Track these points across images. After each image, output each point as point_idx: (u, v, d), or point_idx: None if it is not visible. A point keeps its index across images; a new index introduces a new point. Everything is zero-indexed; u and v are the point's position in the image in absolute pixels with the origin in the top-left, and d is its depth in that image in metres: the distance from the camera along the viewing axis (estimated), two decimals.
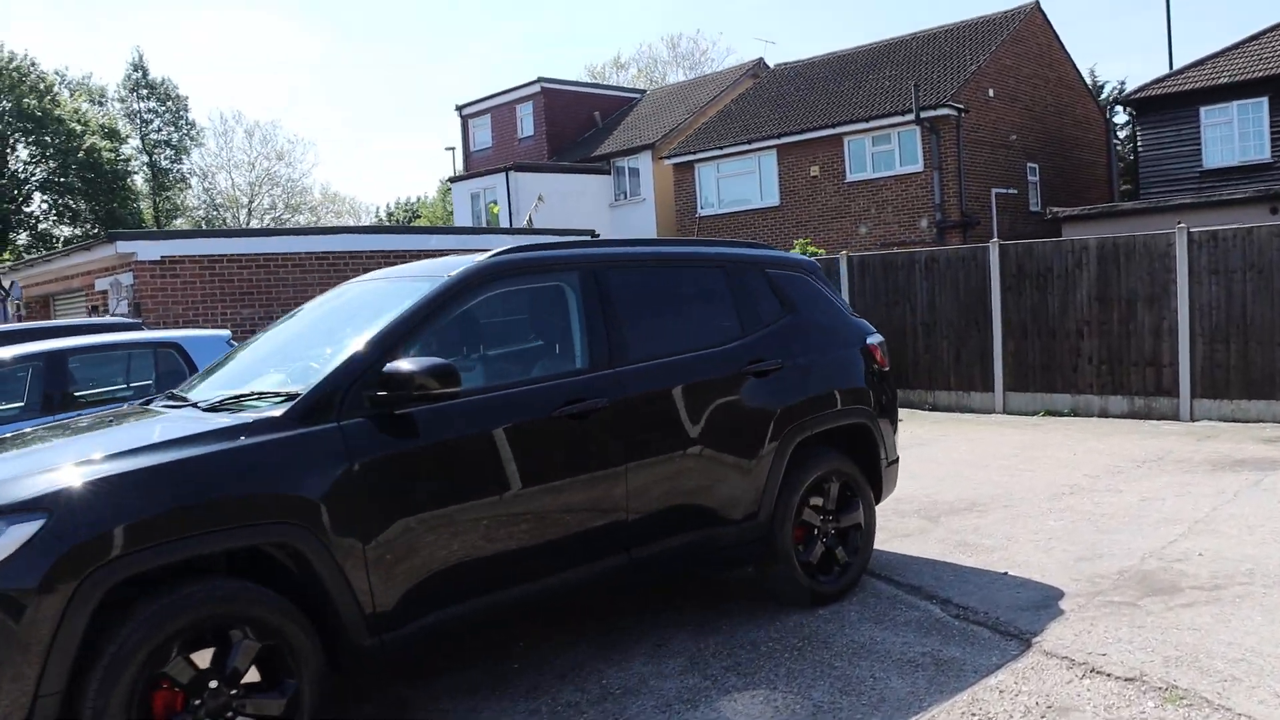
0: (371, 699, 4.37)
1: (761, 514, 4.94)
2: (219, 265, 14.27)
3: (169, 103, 57.02)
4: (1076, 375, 11.34)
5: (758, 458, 4.89)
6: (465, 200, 30.98)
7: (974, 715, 3.84)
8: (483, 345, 4.70)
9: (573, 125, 35.08)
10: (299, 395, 3.84)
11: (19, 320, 17.76)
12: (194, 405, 4.22)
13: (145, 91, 56.08)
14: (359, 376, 3.90)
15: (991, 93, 22.10)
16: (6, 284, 17.54)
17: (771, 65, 31.56)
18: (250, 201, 60.69)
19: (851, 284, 13.45)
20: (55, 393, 7.54)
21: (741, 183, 25.50)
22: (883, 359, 5.68)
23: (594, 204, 30.60)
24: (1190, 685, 3.94)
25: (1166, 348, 10.64)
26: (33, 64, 47.81)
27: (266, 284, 14.34)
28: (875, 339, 5.69)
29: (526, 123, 35.44)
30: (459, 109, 37.94)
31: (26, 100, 45.89)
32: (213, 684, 3.32)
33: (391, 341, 4.02)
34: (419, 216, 57.74)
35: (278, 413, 3.72)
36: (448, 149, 40.55)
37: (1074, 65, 25.63)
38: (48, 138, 46.68)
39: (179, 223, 58.64)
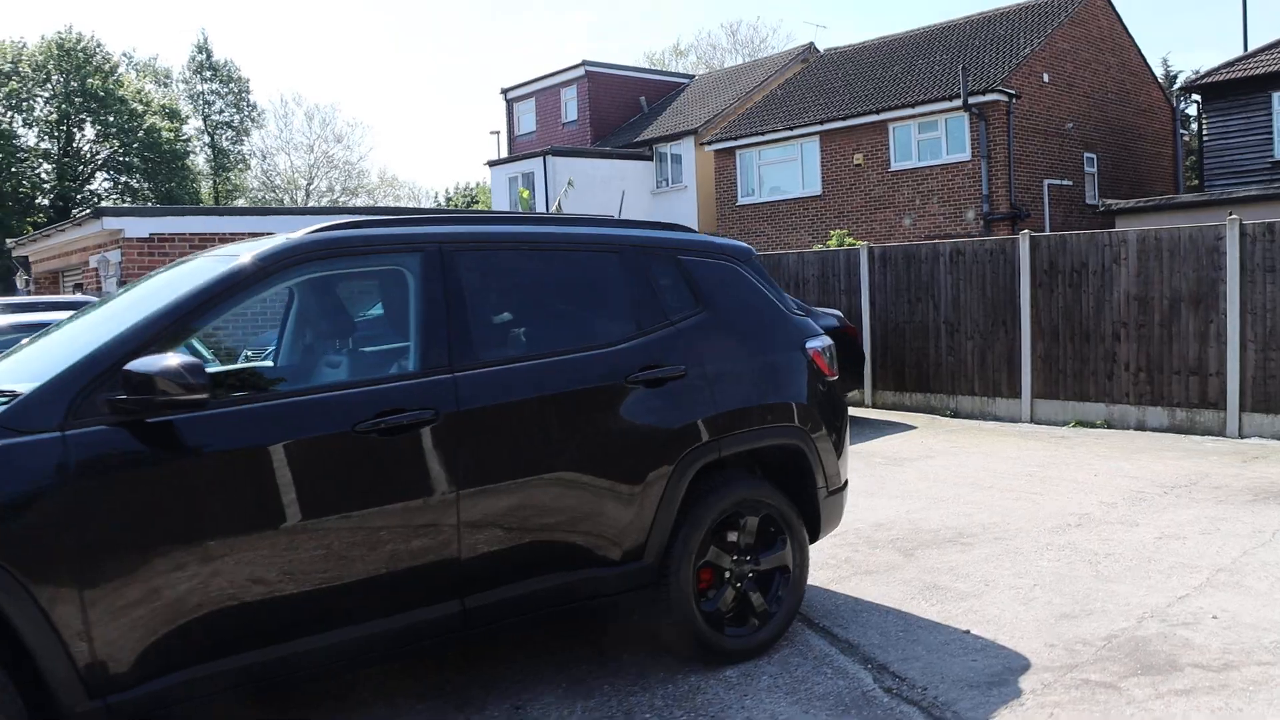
0: None
1: (649, 554, 4.02)
2: (211, 244, 13.69)
3: (231, 84, 57.48)
4: (1112, 383, 10.15)
5: (643, 486, 3.96)
6: (504, 185, 30.25)
7: None
8: (291, 342, 3.86)
9: (618, 110, 34.16)
10: (16, 396, 3.05)
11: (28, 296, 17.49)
12: None
13: (209, 73, 56.56)
14: (99, 376, 3.08)
15: (1046, 78, 20.66)
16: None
17: (822, 50, 30.29)
18: (308, 184, 60.90)
19: (871, 278, 12.37)
20: None
21: (783, 170, 24.38)
22: (828, 366, 4.70)
23: (635, 191, 29.66)
24: None
25: (1213, 355, 9.42)
26: (98, 45, 48.36)
27: None
28: (818, 343, 4.70)
29: (570, 107, 34.62)
30: (504, 92, 37.29)
31: (91, 80, 46.42)
32: None
33: (147, 335, 3.20)
34: (477, 202, 57.39)
35: None
36: (492, 133, 39.96)
37: (1139, 51, 23.96)
38: (111, 117, 47.21)
39: (240, 203, 59.09)
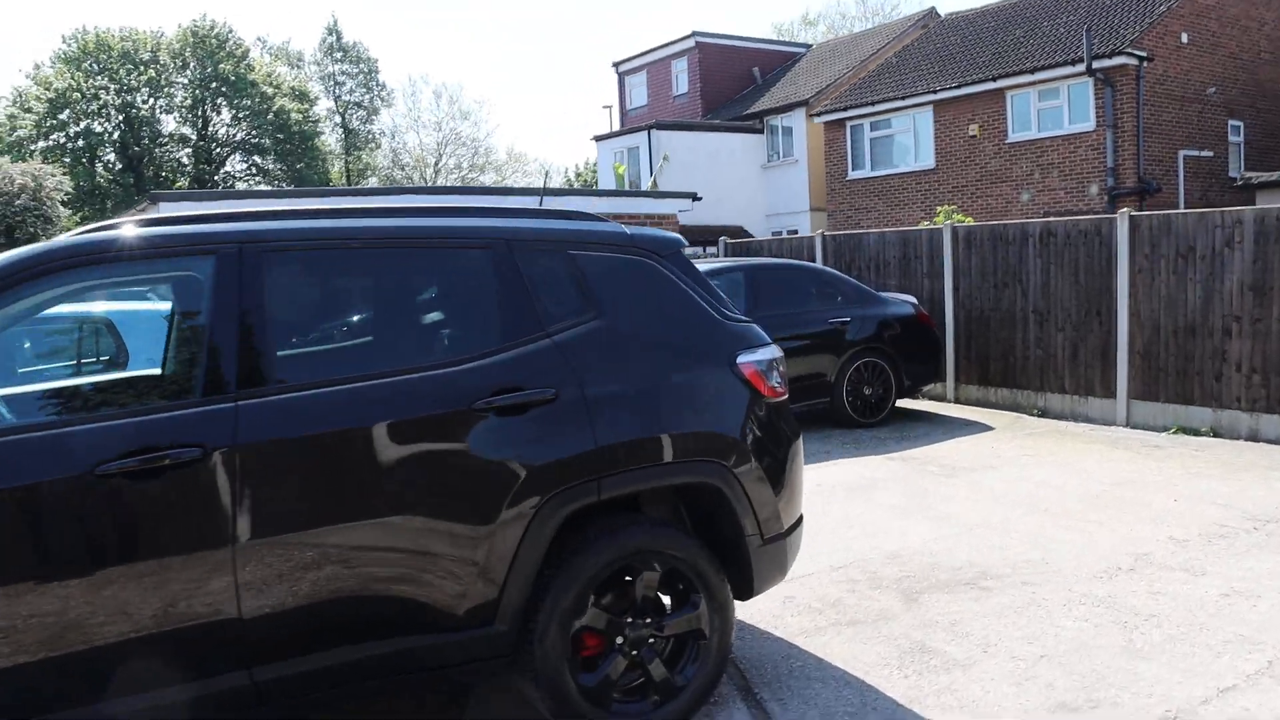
0: None
1: (503, 617, 3.27)
2: None
3: (361, 65, 58.77)
4: (1220, 385, 8.77)
5: (491, 536, 3.21)
6: (609, 160, 29.61)
7: None
8: (33, 367, 3.26)
9: (730, 82, 33.02)
10: None
11: None
12: None
13: (339, 55, 57.97)
14: None
15: (1185, 38, 18.60)
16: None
17: (944, 15, 28.42)
18: (436, 161, 61.79)
19: (956, 261, 11.17)
20: None
21: (894, 143, 22.94)
22: (767, 385, 3.82)
23: (745, 166, 28.66)
24: None
25: None
26: (230, 31, 50.04)
27: None
28: (757, 356, 3.82)
29: (681, 79, 33.67)
30: (615, 66, 36.61)
31: (223, 66, 48.10)
32: None
33: None
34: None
35: None
36: (604, 107, 39.41)
37: None
38: (243, 100, 48.86)
39: (371, 181, 60.57)
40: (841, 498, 7.17)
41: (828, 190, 24.83)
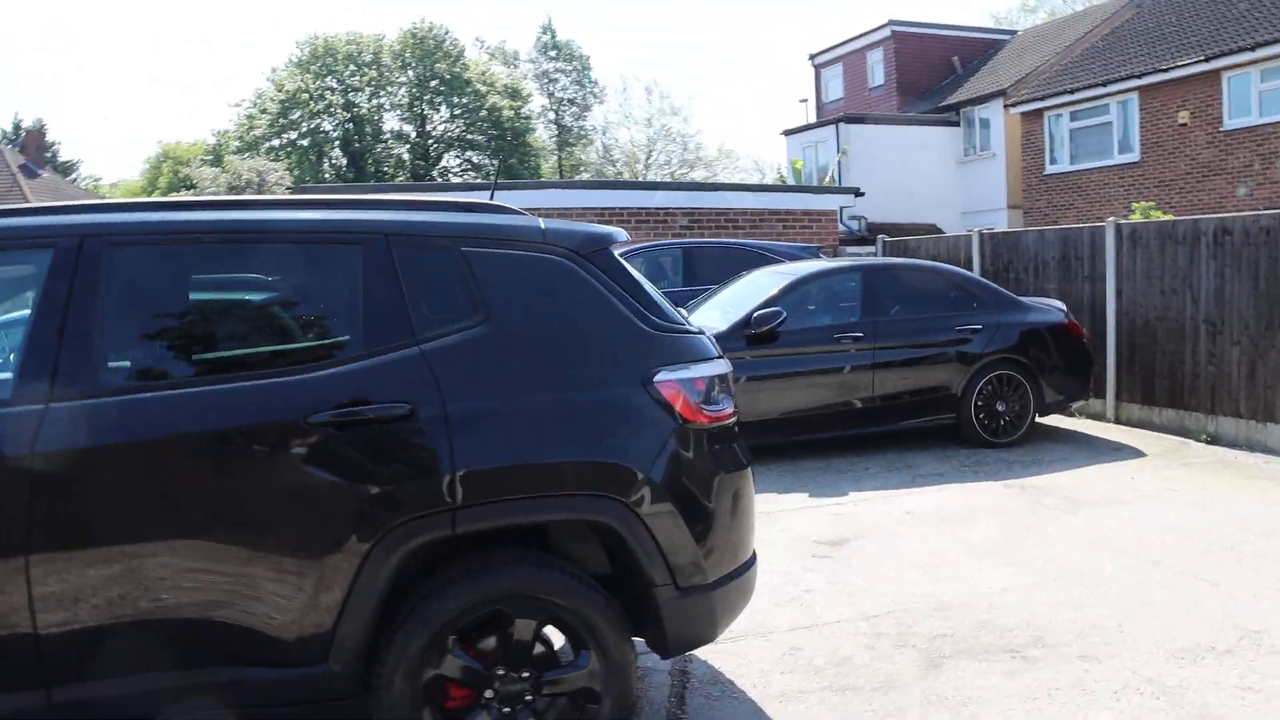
0: None
1: (337, 655, 2.89)
2: None
3: (573, 62, 60.12)
4: None
5: (323, 565, 2.83)
6: (799, 155, 28.73)
7: None
8: None
9: (928, 72, 31.31)
10: None
11: None
12: None
13: (553, 53, 59.53)
14: None
15: None
16: None
17: None
18: (646, 157, 62.42)
19: (1119, 263, 9.89)
20: None
21: (1095, 134, 20.99)
22: (693, 408, 3.25)
23: (940, 161, 27.13)
24: None
25: None
26: (446, 32, 52.40)
27: None
28: (677, 375, 3.23)
29: (876, 71, 32.26)
30: (811, 58, 35.58)
31: (439, 65, 50.42)
32: None
33: None
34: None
35: None
36: (800, 101, 38.36)
37: None
38: (458, 98, 51.06)
39: (583, 176, 61.92)
40: (925, 531, 6.37)
41: (1024, 186, 23.09)
